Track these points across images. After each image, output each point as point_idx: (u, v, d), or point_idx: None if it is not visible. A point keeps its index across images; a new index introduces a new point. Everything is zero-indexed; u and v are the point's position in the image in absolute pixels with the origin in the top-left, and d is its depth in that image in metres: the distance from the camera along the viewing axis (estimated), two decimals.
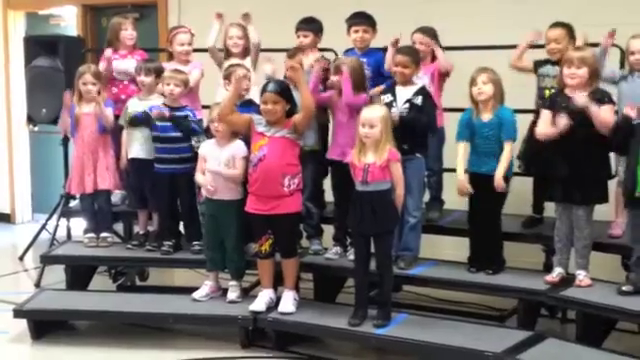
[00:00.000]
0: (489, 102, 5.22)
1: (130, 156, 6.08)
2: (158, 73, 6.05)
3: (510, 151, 5.24)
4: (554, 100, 5.11)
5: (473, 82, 5.25)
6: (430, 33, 5.84)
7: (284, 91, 5.23)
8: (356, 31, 5.85)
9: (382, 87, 5.56)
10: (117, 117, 6.24)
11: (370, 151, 4.97)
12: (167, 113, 5.78)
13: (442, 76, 5.77)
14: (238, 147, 5.43)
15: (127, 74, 6.47)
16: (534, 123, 5.38)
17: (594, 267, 5.18)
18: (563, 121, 4.92)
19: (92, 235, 6.31)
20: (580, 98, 4.88)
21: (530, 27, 5.64)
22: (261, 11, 7.36)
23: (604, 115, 4.88)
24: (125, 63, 6.52)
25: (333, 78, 5.51)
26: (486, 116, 5.25)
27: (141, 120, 5.90)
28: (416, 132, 5.36)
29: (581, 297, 4.94)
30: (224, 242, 5.55)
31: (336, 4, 6.97)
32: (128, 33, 6.62)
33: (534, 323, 5.20)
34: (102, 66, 6.47)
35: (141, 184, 6.09)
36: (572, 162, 4.96)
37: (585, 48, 5.09)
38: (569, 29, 5.47)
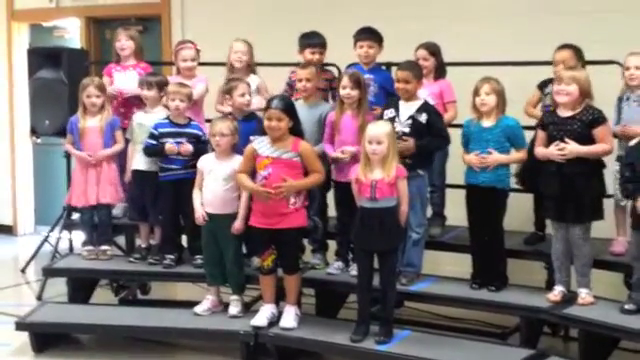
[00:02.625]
0: (492, 112, 5.25)
1: (133, 167, 6.08)
2: (161, 86, 6.07)
3: (520, 157, 5.27)
4: (545, 120, 5.13)
5: (476, 92, 5.27)
6: (434, 49, 5.87)
7: (288, 108, 5.22)
8: (361, 46, 5.86)
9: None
10: (124, 129, 6.26)
11: (377, 167, 4.96)
12: (182, 149, 5.80)
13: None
14: (238, 162, 5.43)
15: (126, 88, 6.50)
16: (533, 142, 5.38)
17: (596, 285, 5.18)
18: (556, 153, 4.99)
19: (90, 248, 6.30)
20: (572, 150, 4.92)
21: (536, 43, 5.65)
22: (260, 23, 7.46)
23: (594, 150, 4.94)
24: (125, 76, 6.55)
25: (352, 93, 5.42)
26: (487, 122, 5.27)
27: (153, 150, 5.89)
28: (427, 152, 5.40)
29: (583, 315, 4.93)
30: (223, 256, 5.55)
31: (339, 19, 7.04)
32: (119, 44, 6.64)
33: (536, 341, 5.17)
34: (106, 81, 6.50)
35: (142, 196, 6.09)
36: (565, 179, 4.95)
37: (579, 68, 5.08)
38: (577, 51, 5.47)
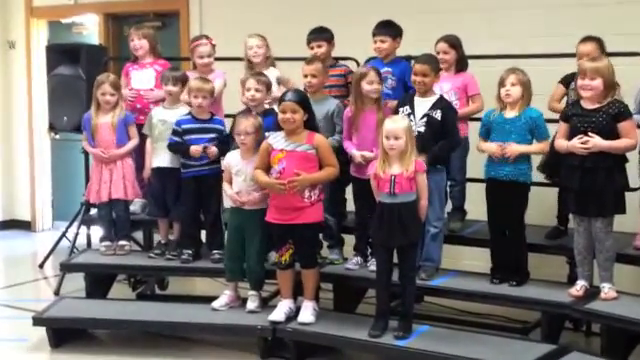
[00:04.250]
0: (516, 103, 5.18)
1: (155, 165, 6.05)
2: (183, 82, 6.05)
3: (541, 147, 5.20)
4: (569, 112, 5.05)
5: (502, 83, 5.21)
6: (454, 42, 5.81)
7: (303, 100, 5.19)
8: (375, 41, 5.83)
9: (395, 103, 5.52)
10: (139, 126, 6.23)
11: (395, 162, 4.90)
12: (208, 153, 5.76)
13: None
14: None
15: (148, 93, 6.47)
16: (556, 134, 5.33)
17: (620, 279, 5.11)
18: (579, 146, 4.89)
19: (108, 243, 6.29)
20: (596, 143, 4.82)
21: (558, 35, 5.58)
22: (279, 18, 7.44)
23: (617, 145, 4.83)
24: (143, 74, 6.53)
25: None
26: (511, 113, 5.20)
27: (178, 148, 5.85)
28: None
29: (606, 310, 4.86)
30: (246, 252, 5.51)
31: (355, 13, 7.01)
32: (132, 44, 6.61)
33: (558, 336, 5.12)
34: (123, 81, 6.48)
35: (164, 193, 6.07)
36: (586, 173, 4.88)
37: (601, 58, 4.99)
38: (600, 43, 5.39)
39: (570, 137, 4.95)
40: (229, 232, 5.60)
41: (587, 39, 5.42)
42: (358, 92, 5.44)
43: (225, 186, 5.53)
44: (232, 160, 5.53)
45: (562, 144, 5.00)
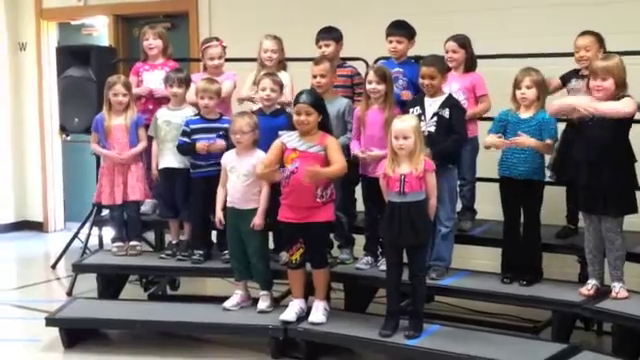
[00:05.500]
0: (531, 105, 5.19)
1: (162, 166, 6.08)
2: (187, 84, 6.08)
3: (549, 146, 5.17)
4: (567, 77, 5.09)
5: (517, 85, 5.21)
6: (464, 41, 5.81)
7: (317, 102, 5.20)
8: (390, 41, 5.82)
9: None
10: (147, 126, 6.25)
11: (404, 162, 4.91)
12: (212, 147, 5.78)
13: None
14: (258, 157, 5.42)
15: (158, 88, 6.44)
16: (565, 133, 5.32)
17: (631, 278, 5.10)
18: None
19: (120, 244, 6.32)
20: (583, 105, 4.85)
21: (567, 34, 5.57)
22: (288, 19, 7.44)
23: (610, 106, 4.79)
24: (154, 75, 6.51)
25: (378, 87, 5.39)
26: (526, 114, 5.20)
27: (186, 148, 5.87)
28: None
29: (617, 309, 4.85)
30: (247, 252, 5.53)
31: (364, 13, 7.01)
32: (147, 43, 6.57)
33: (569, 335, 5.11)
34: (133, 80, 6.47)
35: (172, 193, 6.09)
36: (594, 170, 4.87)
37: (611, 57, 4.98)
38: (599, 38, 5.40)
39: (580, 132, 4.99)
40: (227, 232, 5.61)
41: (585, 33, 5.44)
42: (365, 90, 5.49)
43: (219, 192, 5.56)
44: (227, 158, 5.56)
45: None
